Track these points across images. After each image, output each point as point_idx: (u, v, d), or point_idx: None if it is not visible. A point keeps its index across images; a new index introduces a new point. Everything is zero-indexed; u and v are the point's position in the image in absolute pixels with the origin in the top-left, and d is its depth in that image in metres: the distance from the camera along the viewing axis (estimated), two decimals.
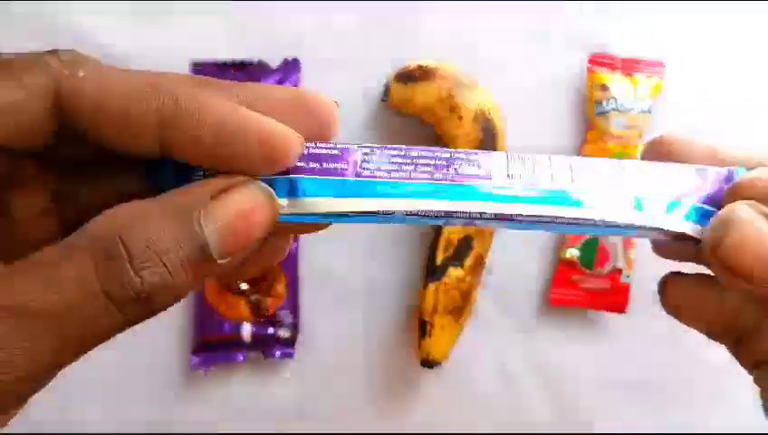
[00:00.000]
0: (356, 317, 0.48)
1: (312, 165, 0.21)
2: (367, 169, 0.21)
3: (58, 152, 0.20)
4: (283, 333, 0.47)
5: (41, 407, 0.47)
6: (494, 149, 0.45)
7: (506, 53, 0.48)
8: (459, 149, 0.22)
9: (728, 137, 0.48)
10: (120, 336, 0.18)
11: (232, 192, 0.18)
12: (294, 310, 0.48)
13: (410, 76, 0.45)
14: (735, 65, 0.49)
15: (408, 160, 0.21)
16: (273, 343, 0.47)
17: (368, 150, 0.21)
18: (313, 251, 0.48)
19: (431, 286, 0.45)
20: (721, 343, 0.24)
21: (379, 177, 0.21)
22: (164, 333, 0.48)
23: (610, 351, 0.49)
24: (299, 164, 0.21)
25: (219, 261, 0.18)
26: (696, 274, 0.24)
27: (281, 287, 0.47)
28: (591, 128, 0.48)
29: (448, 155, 0.22)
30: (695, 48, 0.49)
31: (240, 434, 0.48)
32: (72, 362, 0.17)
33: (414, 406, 0.49)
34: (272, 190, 0.20)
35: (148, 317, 0.18)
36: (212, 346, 0.47)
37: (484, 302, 0.48)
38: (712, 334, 0.24)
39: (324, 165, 0.21)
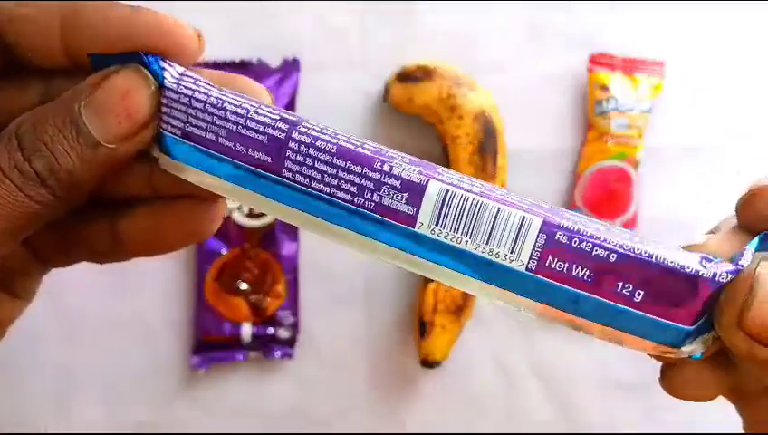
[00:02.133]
0: (356, 317, 0.48)
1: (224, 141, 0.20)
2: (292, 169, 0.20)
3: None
4: (283, 333, 0.47)
5: (41, 407, 0.47)
6: (495, 149, 0.45)
7: (506, 53, 0.48)
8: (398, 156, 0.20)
9: (727, 137, 0.48)
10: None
11: (109, 78, 0.20)
12: (294, 310, 0.48)
13: (410, 76, 0.45)
14: (736, 65, 0.49)
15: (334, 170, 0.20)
16: (273, 343, 0.47)
17: (296, 145, 0.20)
18: (313, 251, 0.48)
19: (431, 286, 0.45)
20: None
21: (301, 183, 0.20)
22: (164, 332, 0.48)
23: (610, 351, 0.49)
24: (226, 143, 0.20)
25: (107, 145, 0.19)
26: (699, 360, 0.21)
27: (281, 287, 0.47)
28: (591, 128, 0.48)
29: (379, 176, 0.20)
30: (695, 48, 0.49)
31: (240, 434, 0.48)
32: (4, 246, 0.19)
33: (414, 406, 0.49)
34: (147, 72, 0.20)
35: (55, 202, 0.19)
36: (212, 346, 0.47)
37: (484, 302, 0.48)
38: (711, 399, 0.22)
39: (251, 152, 0.20)
